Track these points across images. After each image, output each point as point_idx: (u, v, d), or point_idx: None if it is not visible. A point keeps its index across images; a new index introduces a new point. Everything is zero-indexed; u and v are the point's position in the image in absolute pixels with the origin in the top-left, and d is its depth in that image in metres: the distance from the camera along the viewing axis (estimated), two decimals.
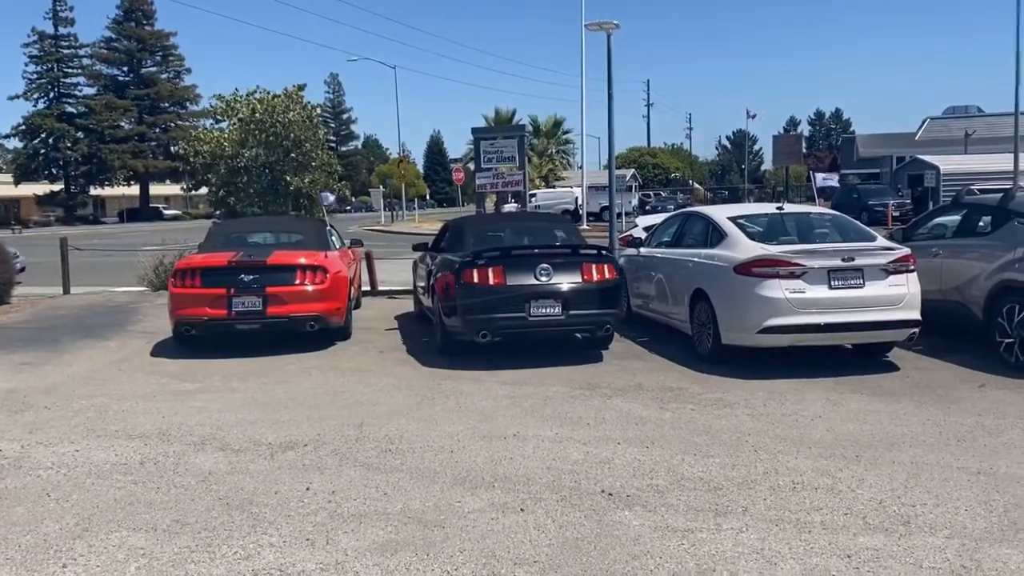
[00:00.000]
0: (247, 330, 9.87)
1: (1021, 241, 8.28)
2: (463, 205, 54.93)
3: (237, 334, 9.95)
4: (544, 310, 8.63)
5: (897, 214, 33.69)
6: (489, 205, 26.37)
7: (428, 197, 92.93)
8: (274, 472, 5.58)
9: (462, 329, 8.84)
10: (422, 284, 11.10)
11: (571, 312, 8.70)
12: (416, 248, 12.02)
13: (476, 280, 8.63)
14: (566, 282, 8.74)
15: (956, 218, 9.80)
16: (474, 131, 21.00)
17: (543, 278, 8.68)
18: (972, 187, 11.47)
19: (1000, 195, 9.23)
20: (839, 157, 72.90)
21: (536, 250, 9.03)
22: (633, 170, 64.86)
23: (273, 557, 4.25)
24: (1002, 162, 34.14)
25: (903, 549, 4.20)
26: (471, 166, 34.97)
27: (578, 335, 9.22)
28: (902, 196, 38.40)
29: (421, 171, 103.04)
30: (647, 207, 47.28)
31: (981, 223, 9.19)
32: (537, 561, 4.14)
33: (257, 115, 18.57)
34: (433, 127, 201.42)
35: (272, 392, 7.95)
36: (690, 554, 4.19)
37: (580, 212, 42.63)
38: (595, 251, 9.22)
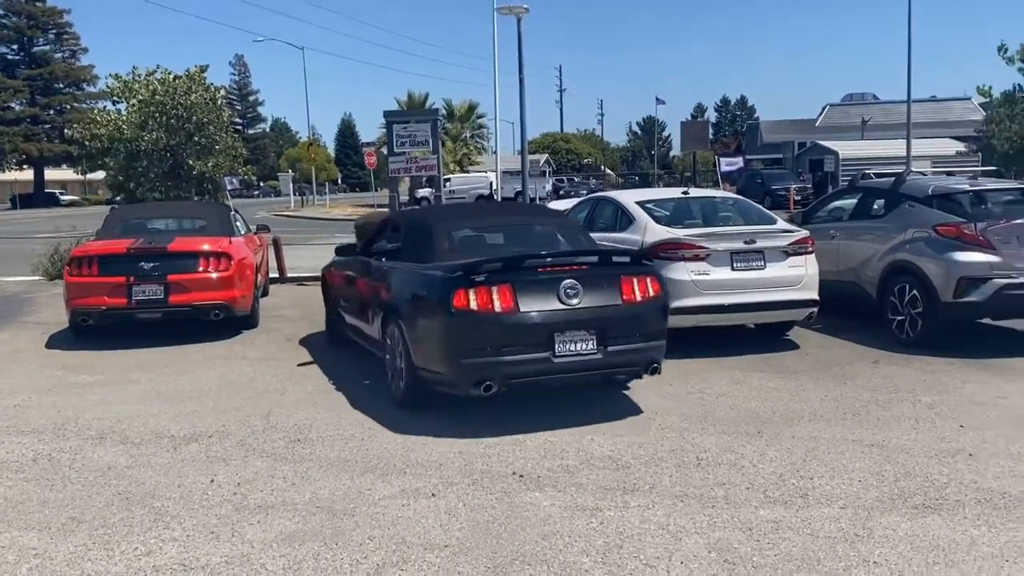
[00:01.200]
0: (148, 320, 9.54)
1: (911, 223, 8.68)
2: (377, 190, 54.14)
3: (138, 324, 9.61)
4: (574, 346, 6.01)
5: (799, 198, 34.89)
6: (403, 189, 26.15)
7: (340, 181, 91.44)
8: (177, 465, 5.42)
9: (451, 378, 6.03)
10: (354, 303, 8.08)
11: (610, 348, 6.13)
12: (341, 252, 8.78)
13: (475, 305, 5.88)
14: (601, 305, 6.16)
15: (852, 201, 10.20)
16: (386, 114, 20.75)
17: (571, 299, 6.04)
18: (868, 171, 11.91)
19: (892, 179, 9.64)
20: (744, 142, 75.00)
21: (553, 259, 6.35)
22: (547, 155, 65.32)
23: (176, 552, 4.13)
24: (897, 147, 35.73)
25: (801, 520, 4.36)
26: (384, 150, 34.54)
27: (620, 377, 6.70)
28: (803, 180, 39.83)
29: (332, 155, 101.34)
30: (560, 192, 47.73)
31: (875, 206, 9.58)
32: (448, 545, 4.15)
33: (157, 96, 17.92)
34: (344, 110, 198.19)
35: (175, 383, 7.71)
36: (598, 532, 4.25)
37: (495, 197, 42.71)
38: (628, 258, 6.68)
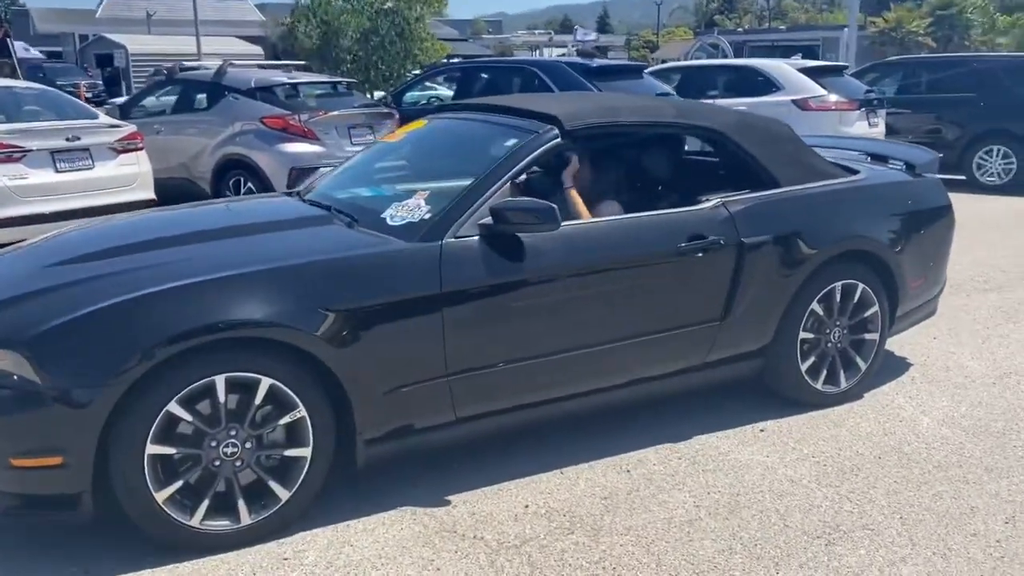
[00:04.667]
0: None
1: (238, 116, 8.74)
2: None
3: None
4: None
5: (91, 95, 32.38)
6: None
7: None
8: None
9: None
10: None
11: None
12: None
13: None
14: None
15: (174, 96, 9.79)
16: None
17: None
18: (184, 64, 11.44)
19: (214, 71, 9.48)
20: (12, 31, 66.39)
21: None
22: None
23: None
24: (186, 44, 35.53)
25: None
26: None
27: None
28: (92, 76, 37.19)
29: None
30: None
31: (198, 99, 9.37)
32: None
33: None
34: None
35: None
36: None
37: None
38: None
